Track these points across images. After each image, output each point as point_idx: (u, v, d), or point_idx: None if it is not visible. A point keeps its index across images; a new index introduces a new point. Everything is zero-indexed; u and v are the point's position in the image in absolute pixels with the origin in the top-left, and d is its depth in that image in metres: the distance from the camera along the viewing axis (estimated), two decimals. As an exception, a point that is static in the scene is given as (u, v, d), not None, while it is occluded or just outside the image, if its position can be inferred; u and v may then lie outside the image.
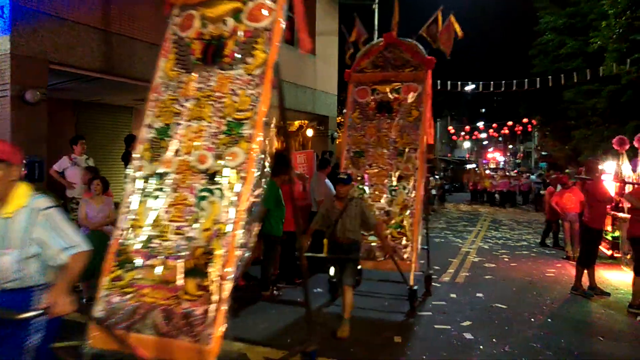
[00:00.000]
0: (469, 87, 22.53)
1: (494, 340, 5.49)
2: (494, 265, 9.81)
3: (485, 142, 66.03)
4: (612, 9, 14.95)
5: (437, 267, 9.28)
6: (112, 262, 3.29)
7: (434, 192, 20.90)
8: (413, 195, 6.69)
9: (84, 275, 6.75)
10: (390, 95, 7.24)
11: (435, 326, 5.93)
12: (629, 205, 7.77)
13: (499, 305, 6.87)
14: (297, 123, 23.81)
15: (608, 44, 15.27)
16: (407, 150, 6.93)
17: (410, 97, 7.13)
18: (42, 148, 7.63)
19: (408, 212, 6.60)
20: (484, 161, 46.63)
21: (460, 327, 5.92)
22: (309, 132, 19.50)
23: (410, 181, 6.78)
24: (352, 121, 7.40)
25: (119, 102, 12.31)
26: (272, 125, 8.69)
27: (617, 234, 10.08)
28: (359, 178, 7.01)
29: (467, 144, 58.18)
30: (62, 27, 7.97)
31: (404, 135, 7.00)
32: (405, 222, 6.57)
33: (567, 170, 14.04)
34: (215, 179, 3.24)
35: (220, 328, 2.89)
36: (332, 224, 5.65)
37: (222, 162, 3.27)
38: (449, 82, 20.46)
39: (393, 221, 6.63)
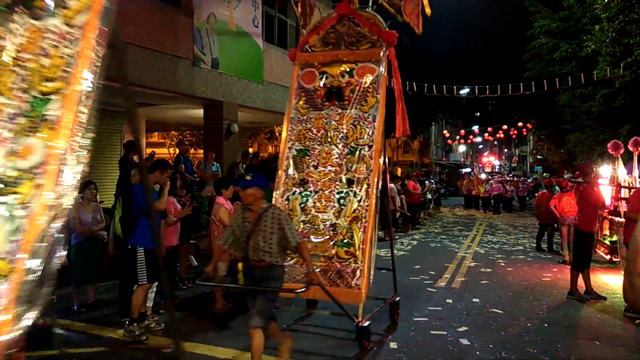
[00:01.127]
0: (464, 91, 22.57)
1: (490, 345, 5.43)
2: (490, 270, 9.75)
3: (480, 146, 66.26)
4: (605, 13, 14.99)
5: (432, 272, 9.24)
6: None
7: (429, 196, 20.87)
8: (366, 204, 5.37)
9: (76, 282, 6.70)
10: (342, 79, 5.85)
11: (432, 332, 5.87)
12: (625, 209, 7.75)
13: (496, 311, 6.81)
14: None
15: (602, 48, 15.30)
16: (360, 147, 5.58)
17: (366, 81, 5.77)
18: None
19: (359, 225, 5.29)
20: (479, 165, 46.68)
21: (456, 332, 5.85)
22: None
23: (362, 186, 5.45)
24: (296, 111, 5.90)
25: (110, 106, 12.23)
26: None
27: (614, 238, 10.06)
28: (301, 183, 5.65)
29: (462, 148, 58.35)
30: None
31: (358, 128, 5.63)
32: (355, 239, 5.26)
33: (565, 175, 14.04)
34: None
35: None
36: (244, 243, 4.26)
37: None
38: (444, 87, 20.46)
39: (340, 237, 5.32)
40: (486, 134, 43.07)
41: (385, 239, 13.38)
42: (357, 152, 5.60)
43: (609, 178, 10.30)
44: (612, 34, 14.47)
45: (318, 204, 5.50)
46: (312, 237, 5.43)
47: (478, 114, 64.07)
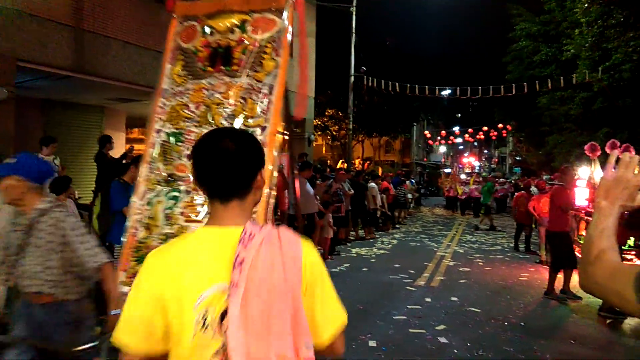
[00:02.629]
0: (446, 92, 22.79)
1: (468, 344, 5.49)
2: (468, 269, 9.85)
3: (460, 147, 66.89)
4: (585, 17, 15.26)
5: (412, 271, 9.31)
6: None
7: (410, 195, 21.02)
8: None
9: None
10: (231, 36, 4.12)
11: (411, 330, 5.91)
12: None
13: (474, 309, 6.89)
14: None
15: (581, 52, 15.58)
16: (250, 130, 3.65)
17: (263, 38, 3.97)
18: (9, 147, 7.39)
19: None
20: (459, 166, 47.10)
21: (435, 331, 5.90)
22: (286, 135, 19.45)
23: None
24: (171, 81, 4.08)
25: (89, 101, 12.05)
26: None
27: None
28: (169, 180, 3.72)
29: (443, 149, 58.80)
30: (32, 24, 7.76)
31: (249, 103, 3.76)
32: None
33: (544, 176, 14.27)
34: None
35: None
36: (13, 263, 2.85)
37: None
38: (426, 87, 20.65)
39: None
40: (467, 135, 43.48)
41: (366, 238, 13.47)
42: None
43: (587, 180, 10.47)
44: (592, 38, 14.75)
45: (189, 211, 3.63)
46: None
47: (459, 115, 64.67)
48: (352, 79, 20.81)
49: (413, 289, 8.06)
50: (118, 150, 12.15)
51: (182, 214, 3.42)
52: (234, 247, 1.39)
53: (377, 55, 26.47)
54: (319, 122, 26.95)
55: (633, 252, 7.15)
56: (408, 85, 20.50)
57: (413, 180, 24.42)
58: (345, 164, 20.80)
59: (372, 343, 5.43)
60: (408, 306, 6.96)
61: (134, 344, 1.38)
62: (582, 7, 15.21)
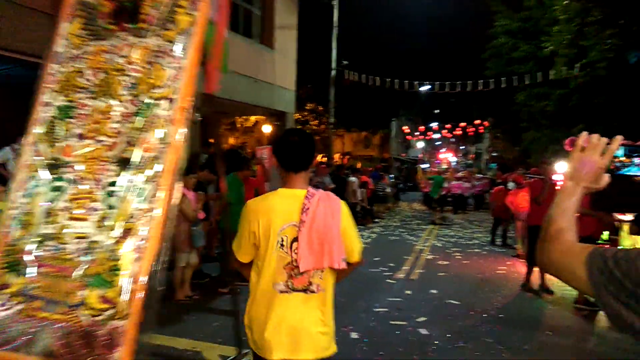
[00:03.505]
0: (425, 88, 22.92)
1: (448, 335, 5.55)
2: (447, 262, 9.96)
3: (438, 143, 67.45)
4: (564, 14, 15.48)
5: (391, 264, 9.38)
6: None
7: (389, 189, 21.13)
8: (151, 206, 2.59)
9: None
10: None
11: (392, 322, 5.96)
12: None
13: (453, 302, 6.97)
14: (253, 118, 23.62)
15: (559, 49, 15.81)
16: (153, 102, 2.82)
17: None
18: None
19: (132, 245, 2.53)
20: (436, 162, 47.49)
21: (415, 322, 5.96)
22: (266, 129, 19.36)
23: (151, 169, 2.73)
24: (67, 43, 3.08)
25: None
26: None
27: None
28: (53, 165, 2.83)
29: (420, 144, 59.20)
30: (8, 10, 7.55)
31: (155, 69, 2.87)
32: (118, 273, 2.53)
33: (519, 171, 14.46)
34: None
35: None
36: None
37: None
38: (406, 82, 20.74)
39: (96, 269, 2.55)
40: (444, 131, 43.86)
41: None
42: (149, 111, 2.81)
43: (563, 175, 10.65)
44: (570, 36, 14.97)
45: (75, 206, 2.85)
46: (50, 267, 2.66)
47: (437, 111, 65.16)
48: (334, 72, 20.78)
49: (393, 281, 8.12)
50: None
51: (65, 209, 2.73)
52: (301, 200, 2.44)
53: (359, 50, 26.49)
54: (299, 116, 26.87)
55: (607, 246, 7.30)
56: (388, 79, 20.57)
57: (392, 175, 24.50)
58: (326, 158, 20.81)
59: (354, 335, 5.45)
60: (389, 299, 7.02)
61: (241, 254, 2.58)
62: (561, 4, 15.42)
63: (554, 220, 1.22)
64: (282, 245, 2.41)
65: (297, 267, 2.39)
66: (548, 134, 20.44)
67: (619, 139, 1.26)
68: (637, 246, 7.41)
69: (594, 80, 15.91)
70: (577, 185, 1.23)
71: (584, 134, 1.29)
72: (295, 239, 2.40)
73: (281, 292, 2.42)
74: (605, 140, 1.25)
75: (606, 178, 1.23)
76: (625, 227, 7.67)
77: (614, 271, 1.00)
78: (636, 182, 1.27)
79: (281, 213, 2.42)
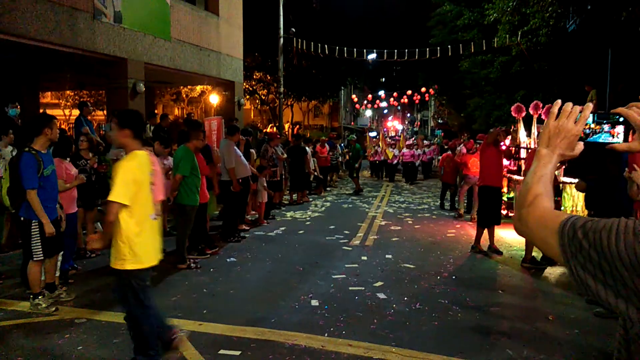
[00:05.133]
0: (372, 56, 22.93)
1: (405, 298, 5.71)
2: (399, 227, 10.19)
3: (385, 111, 68.16)
4: (506, -18, 15.75)
5: (347, 232, 9.50)
6: None
7: (340, 159, 21.25)
8: None
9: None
10: None
11: (350, 288, 6.06)
12: (524, 168, 8.35)
13: (407, 265, 7.16)
14: (199, 88, 23.01)
15: (502, 17, 16.13)
16: None
17: None
18: None
19: None
20: (384, 129, 48.04)
21: (373, 287, 6.09)
22: (214, 99, 18.92)
23: None
24: None
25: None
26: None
27: (512, 195, 10.86)
28: None
29: (369, 113, 59.67)
30: None
31: None
32: None
33: (464, 137, 14.86)
34: None
35: None
36: None
37: None
38: (355, 50, 20.66)
39: None
40: (392, 99, 44.31)
41: (299, 201, 13.53)
42: None
43: (510, 139, 11.00)
44: (513, 3, 15.26)
45: None
46: None
47: (383, 79, 65.60)
48: (282, 40, 20.43)
49: (349, 248, 8.24)
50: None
51: None
52: (148, 158, 3.74)
53: (305, 17, 26.10)
54: (247, 86, 26.38)
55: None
56: (337, 47, 20.44)
57: (342, 145, 24.60)
58: (275, 129, 20.62)
59: (314, 302, 5.52)
60: (346, 265, 7.12)
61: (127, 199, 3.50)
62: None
63: (531, 187, 1.24)
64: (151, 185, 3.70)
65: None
66: (491, 100, 21.00)
67: (590, 106, 1.29)
68: (578, 205, 7.81)
69: (535, 47, 16.38)
70: (553, 153, 1.25)
71: (558, 101, 1.31)
72: (153, 183, 3.73)
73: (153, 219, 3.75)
74: (578, 107, 1.27)
75: (581, 145, 1.26)
76: (568, 189, 8.06)
77: (582, 241, 1.03)
78: (606, 150, 1.31)
79: (147, 166, 3.66)
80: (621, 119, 9.26)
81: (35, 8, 9.24)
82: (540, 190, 1.22)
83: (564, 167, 1.45)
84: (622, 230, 0.99)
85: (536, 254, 7.23)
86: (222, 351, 4.22)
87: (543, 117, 10.27)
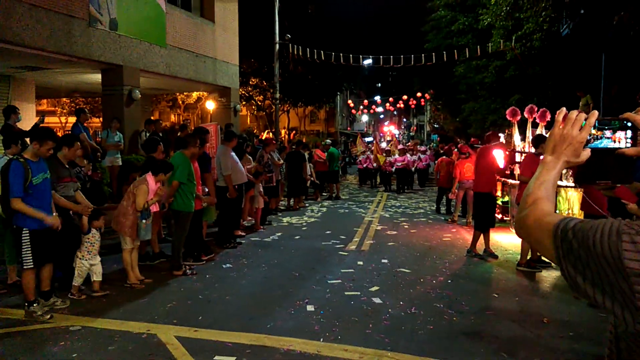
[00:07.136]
0: (368, 61, 23.01)
1: (401, 302, 5.71)
2: (395, 232, 10.20)
3: (381, 116, 68.26)
4: (500, -14, 15.86)
5: (343, 237, 9.51)
6: None
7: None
8: None
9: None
10: None
11: (346, 293, 6.06)
12: (519, 172, 8.38)
13: (403, 270, 7.17)
14: (195, 95, 23.02)
15: (496, 22, 16.23)
16: None
17: None
18: None
19: None
20: (380, 134, 48.10)
21: (369, 292, 6.09)
22: (210, 105, 18.93)
23: None
24: None
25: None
26: None
27: (506, 199, 10.90)
28: None
29: (365, 118, 59.74)
30: None
31: None
32: None
33: (460, 142, 14.90)
34: None
35: None
36: None
37: None
38: (350, 55, 20.74)
39: None
40: (388, 104, 44.42)
41: (295, 207, 13.54)
42: None
43: (504, 143, 11.05)
44: (506, 8, 15.37)
45: None
46: None
47: (379, 84, 65.75)
48: (277, 47, 20.49)
49: (345, 253, 8.24)
50: (28, 122, 11.33)
51: None
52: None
53: (301, 23, 26.20)
54: (243, 92, 26.42)
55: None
56: (332, 53, 20.51)
57: (339, 150, 24.56)
58: (271, 134, 20.65)
59: (310, 307, 5.52)
60: (342, 270, 7.12)
61: None
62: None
63: (532, 192, 1.27)
64: None
65: None
66: (486, 105, 21.08)
67: (595, 113, 1.31)
68: (574, 208, 7.83)
69: (529, 52, 16.48)
70: (558, 160, 1.28)
71: (563, 109, 1.33)
72: None
73: None
74: (583, 115, 1.29)
75: (587, 152, 1.28)
76: (563, 192, 8.09)
77: (572, 241, 1.06)
78: (616, 155, 1.33)
79: None
80: (629, 124, 9.29)
81: (31, 15, 9.25)
82: (540, 194, 1.25)
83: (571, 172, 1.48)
84: (607, 231, 1.01)
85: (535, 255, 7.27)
86: (217, 357, 4.22)
87: (538, 120, 10.32)
